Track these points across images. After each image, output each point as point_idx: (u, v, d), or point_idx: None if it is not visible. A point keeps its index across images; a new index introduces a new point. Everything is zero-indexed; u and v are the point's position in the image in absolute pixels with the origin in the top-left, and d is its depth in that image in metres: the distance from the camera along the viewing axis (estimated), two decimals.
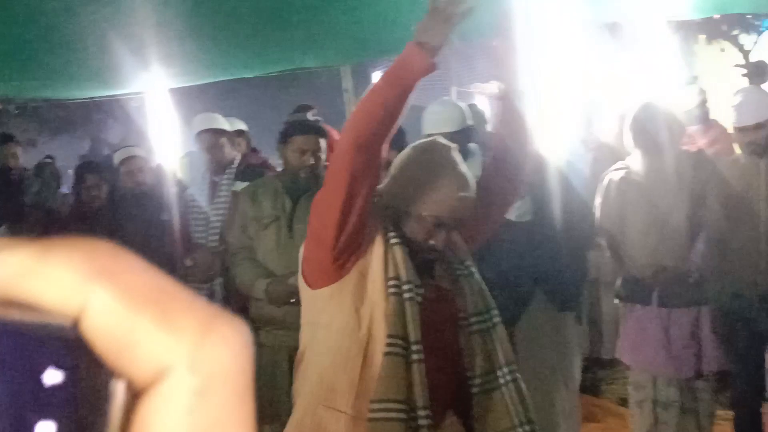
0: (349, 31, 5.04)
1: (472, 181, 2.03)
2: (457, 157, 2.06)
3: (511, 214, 3.18)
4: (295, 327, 3.44)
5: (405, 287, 1.89)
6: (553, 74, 5.09)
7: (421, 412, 1.85)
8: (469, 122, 3.57)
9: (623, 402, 4.34)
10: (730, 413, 3.70)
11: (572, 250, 3.43)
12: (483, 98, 13.39)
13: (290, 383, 3.49)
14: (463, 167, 2.04)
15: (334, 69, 6.56)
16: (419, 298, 1.91)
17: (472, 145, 3.59)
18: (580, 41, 4.99)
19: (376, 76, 11.90)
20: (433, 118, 3.58)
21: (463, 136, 3.49)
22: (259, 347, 3.60)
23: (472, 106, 6.04)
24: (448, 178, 1.97)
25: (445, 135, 3.44)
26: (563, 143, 4.04)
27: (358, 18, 4.67)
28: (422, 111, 3.78)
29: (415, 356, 1.86)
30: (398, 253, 1.92)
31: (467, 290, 2.02)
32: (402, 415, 1.84)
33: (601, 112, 5.86)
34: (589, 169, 4.21)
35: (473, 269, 2.07)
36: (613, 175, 3.56)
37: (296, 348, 3.43)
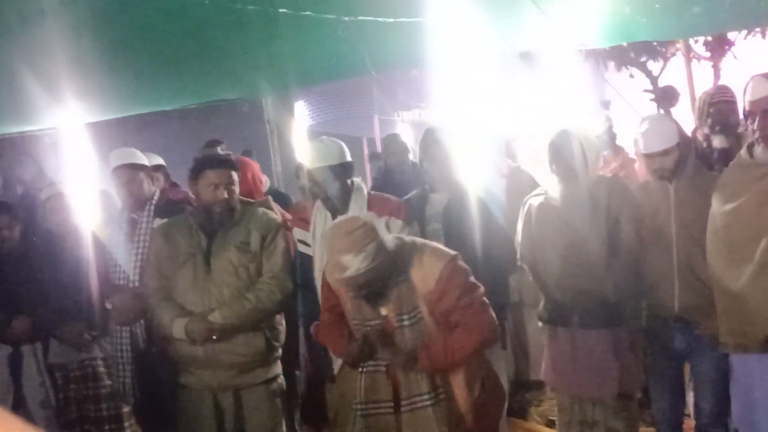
0: (270, 64, 5.04)
1: None
2: None
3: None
4: (218, 366, 3.40)
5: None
6: (469, 102, 5.21)
7: None
8: (348, 158, 3.59)
9: (551, 423, 4.40)
10: (652, 430, 3.80)
11: (493, 275, 3.49)
12: (406, 126, 13.55)
13: (213, 425, 3.44)
14: None
15: (257, 100, 6.53)
16: None
17: (356, 180, 3.62)
18: (494, 70, 5.12)
19: (298, 107, 11.92)
20: (313, 154, 3.59)
21: (342, 170, 3.53)
22: (181, 389, 3.52)
23: (394, 137, 6.12)
24: None
25: (324, 169, 3.49)
26: (481, 170, 4.13)
27: (278, 50, 4.68)
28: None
29: None
30: None
31: None
32: None
33: (515, 139, 6.01)
34: (505, 195, 4.31)
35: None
36: (533, 200, 3.64)
37: (219, 388, 3.42)
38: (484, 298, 2.75)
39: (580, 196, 3.48)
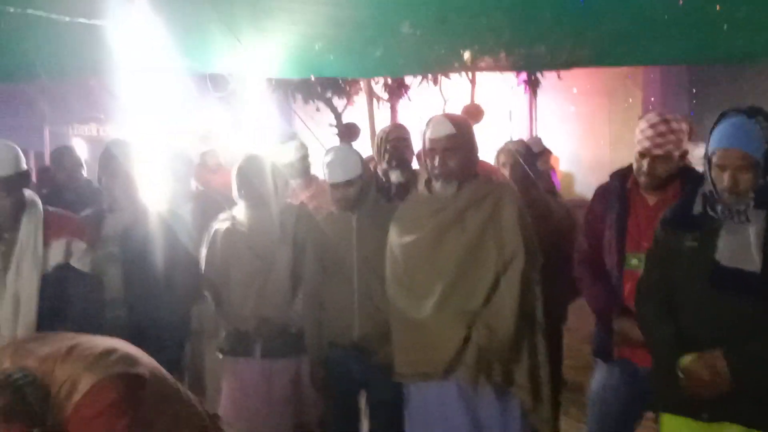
0: None
1: None
2: None
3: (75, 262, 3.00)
4: None
5: None
6: (152, 120, 4.91)
7: None
8: (22, 167, 3.12)
9: None
10: None
11: (175, 303, 3.27)
12: (80, 140, 12.59)
13: None
14: None
15: None
16: None
17: (28, 192, 3.18)
18: (182, 88, 4.90)
19: None
20: None
21: (13, 181, 3.07)
22: None
23: (66, 149, 5.55)
24: None
25: None
26: (166, 191, 3.88)
27: None
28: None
29: None
30: None
31: None
32: None
33: (208, 159, 5.83)
34: (191, 218, 4.09)
35: None
36: (219, 225, 3.52)
37: None
38: None
39: (268, 222, 3.43)
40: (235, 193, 3.50)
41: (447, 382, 2.98)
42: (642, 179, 3.03)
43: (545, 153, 5.34)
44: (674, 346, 2.57)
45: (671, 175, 3.01)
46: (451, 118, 3.10)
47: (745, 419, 2.49)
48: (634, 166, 3.07)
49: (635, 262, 2.99)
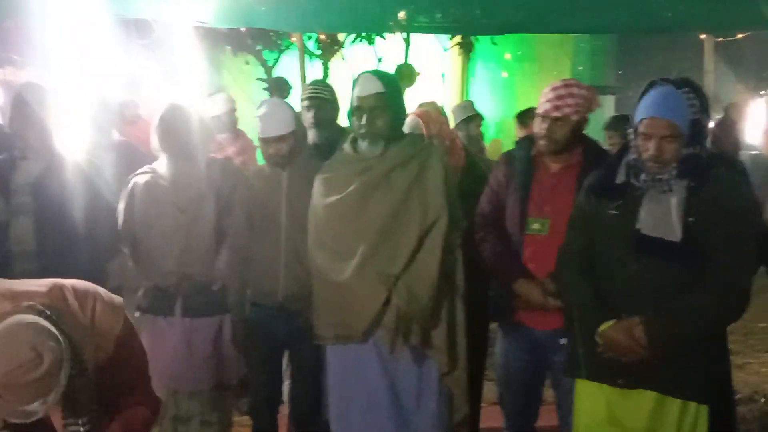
0: None
1: None
2: None
3: None
4: None
5: None
6: (72, 65, 4.68)
7: None
8: None
9: None
10: (246, 418, 3.78)
11: (93, 258, 3.15)
12: None
13: None
14: None
15: None
16: None
17: None
18: (101, 33, 4.66)
19: None
20: None
21: None
22: None
23: None
24: None
25: None
26: (85, 139, 3.71)
27: None
28: None
29: None
30: None
31: None
32: None
33: (125, 110, 5.60)
34: (112, 170, 3.92)
35: None
36: (139, 178, 3.36)
37: None
38: None
39: (191, 176, 3.30)
40: (155, 145, 3.34)
41: (366, 344, 2.95)
42: (541, 142, 3.08)
43: (476, 117, 5.33)
44: (593, 313, 2.61)
45: (572, 142, 3.06)
46: (380, 76, 3.01)
47: (659, 386, 2.56)
48: (535, 130, 3.12)
49: (537, 227, 3.04)
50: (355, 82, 3.03)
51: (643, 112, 2.54)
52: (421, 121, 3.59)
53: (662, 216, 2.51)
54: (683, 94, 2.52)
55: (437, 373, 2.97)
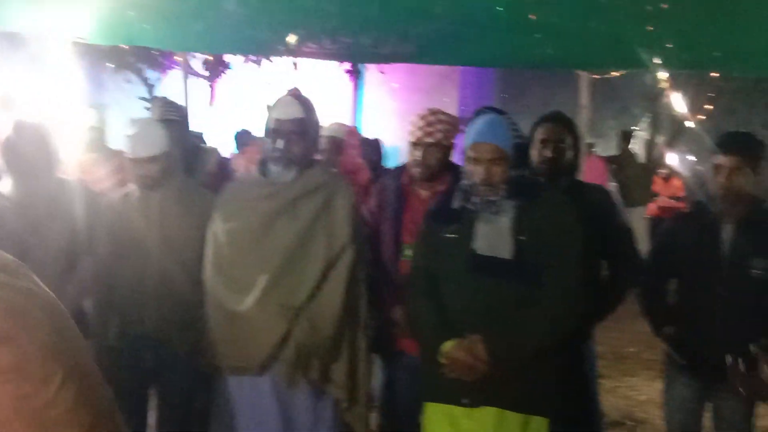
0: None
1: None
2: None
3: None
4: None
5: None
6: None
7: None
8: None
9: None
10: None
11: None
12: None
13: None
14: None
15: None
16: None
17: None
18: None
19: None
20: None
21: None
22: None
23: None
24: None
25: None
26: None
27: None
28: None
29: None
30: None
31: None
32: None
33: None
34: None
35: None
36: None
37: None
38: None
39: (39, 198, 3.08)
40: (2, 164, 3.12)
41: (261, 377, 2.85)
42: (415, 170, 3.20)
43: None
44: (438, 334, 2.65)
45: (442, 168, 3.20)
46: (302, 102, 2.95)
47: (502, 402, 2.62)
48: (408, 158, 3.23)
49: (410, 253, 3.09)
50: (274, 104, 2.96)
51: (471, 137, 2.68)
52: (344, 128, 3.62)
53: (495, 236, 2.63)
54: (505, 119, 2.70)
55: (332, 409, 2.90)
